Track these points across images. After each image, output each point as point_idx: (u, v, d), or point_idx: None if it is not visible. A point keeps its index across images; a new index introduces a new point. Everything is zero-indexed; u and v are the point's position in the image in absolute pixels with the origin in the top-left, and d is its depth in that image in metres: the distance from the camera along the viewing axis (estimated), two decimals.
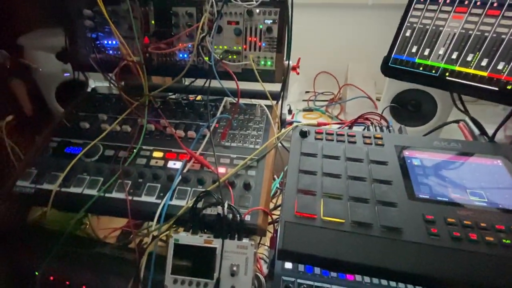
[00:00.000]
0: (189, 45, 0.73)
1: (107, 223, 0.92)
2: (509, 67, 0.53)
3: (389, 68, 0.63)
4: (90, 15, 0.75)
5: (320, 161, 0.59)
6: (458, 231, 0.46)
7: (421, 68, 0.60)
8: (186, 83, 0.89)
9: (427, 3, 0.57)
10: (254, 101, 0.80)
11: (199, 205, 0.56)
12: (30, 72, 0.98)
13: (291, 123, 0.76)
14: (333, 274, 0.71)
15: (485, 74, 0.56)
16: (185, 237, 0.53)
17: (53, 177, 0.64)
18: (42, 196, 0.61)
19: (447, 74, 0.58)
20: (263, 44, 0.72)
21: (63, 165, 0.65)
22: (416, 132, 0.99)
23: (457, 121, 0.75)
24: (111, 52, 0.78)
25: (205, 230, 0.56)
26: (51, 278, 0.64)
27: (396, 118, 1.03)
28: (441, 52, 0.58)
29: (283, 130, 0.69)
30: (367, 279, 0.70)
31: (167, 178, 0.62)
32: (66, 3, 0.75)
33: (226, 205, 0.54)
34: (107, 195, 0.60)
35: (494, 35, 0.54)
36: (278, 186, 0.76)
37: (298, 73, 0.75)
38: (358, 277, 0.70)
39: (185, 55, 0.76)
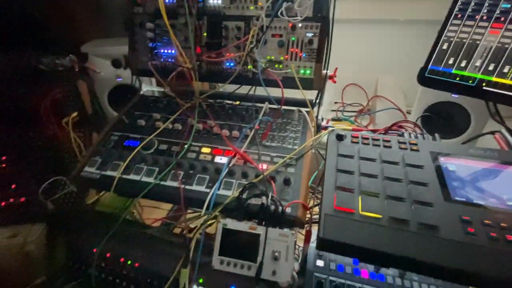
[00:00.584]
0: (237, 55, 0.81)
1: (148, 214, 1.01)
2: None
3: (426, 78, 0.67)
4: (152, 28, 0.86)
5: (357, 162, 0.64)
6: (495, 232, 0.48)
7: (457, 79, 0.63)
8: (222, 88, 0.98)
9: (464, 19, 0.61)
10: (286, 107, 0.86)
11: (244, 195, 0.62)
12: (90, 76, 1.12)
13: (326, 127, 0.81)
14: (364, 274, 0.74)
15: None
16: (233, 223, 0.59)
17: (115, 165, 0.73)
18: (105, 181, 0.70)
19: (483, 84, 0.61)
20: (304, 55, 0.79)
21: (123, 155, 0.74)
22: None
23: (492, 132, 0.77)
24: (167, 60, 0.88)
25: (249, 219, 0.62)
26: (108, 255, 0.72)
27: (428, 129, 1.04)
28: (477, 64, 0.61)
29: (319, 133, 0.74)
30: (398, 281, 0.72)
31: (215, 171, 0.69)
32: (132, 17, 0.87)
33: (270, 196, 0.59)
34: (162, 183, 0.68)
35: None
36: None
37: (335, 82, 0.81)
38: (390, 279, 0.73)
39: (231, 64, 0.84)
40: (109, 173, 0.72)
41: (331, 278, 0.72)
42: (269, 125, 0.78)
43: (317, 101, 0.84)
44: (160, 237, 0.72)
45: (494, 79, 0.60)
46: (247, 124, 0.79)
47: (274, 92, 0.78)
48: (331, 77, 0.80)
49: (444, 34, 0.64)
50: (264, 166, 0.69)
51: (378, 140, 0.69)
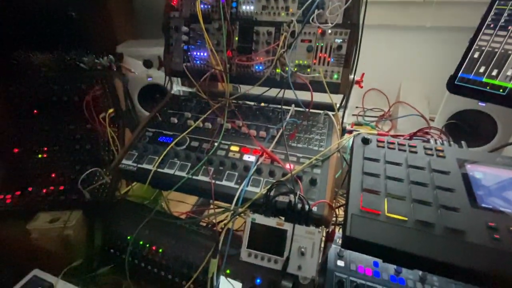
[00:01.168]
0: (267, 59, 0.85)
1: (174, 207, 1.06)
2: None
3: (456, 86, 0.68)
4: (186, 31, 0.91)
5: (383, 166, 0.66)
6: None
7: (488, 87, 0.64)
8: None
9: (496, 29, 0.62)
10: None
11: (272, 193, 0.66)
12: (125, 75, 1.19)
13: (351, 131, 0.83)
14: (385, 276, 0.75)
15: None
16: (261, 218, 0.63)
17: (150, 160, 0.78)
18: (142, 173, 0.76)
19: None
20: (332, 60, 0.82)
21: (157, 150, 0.80)
22: None
23: None
24: (199, 62, 0.93)
25: (276, 215, 0.65)
26: (141, 242, 0.77)
27: (452, 137, 1.03)
28: (509, 73, 0.62)
29: (345, 136, 0.77)
30: (419, 285, 0.73)
31: (243, 168, 0.72)
32: (169, 21, 0.92)
33: (297, 195, 0.62)
34: (194, 177, 0.72)
35: None
36: None
37: (361, 87, 0.83)
38: (410, 283, 0.73)
39: (260, 67, 0.88)
40: (145, 166, 0.77)
41: (351, 278, 0.74)
42: (296, 127, 0.81)
43: (343, 104, 0.86)
44: (189, 228, 0.76)
45: None
46: (274, 126, 0.83)
47: (298, 95, 0.81)
48: (357, 82, 0.82)
49: (475, 43, 0.65)
50: (291, 166, 0.72)
51: (404, 145, 0.70)
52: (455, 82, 0.69)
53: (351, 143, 0.74)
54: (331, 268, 0.76)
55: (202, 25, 0.82)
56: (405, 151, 0.69)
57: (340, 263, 0.77)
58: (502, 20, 0.61)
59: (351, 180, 0.64)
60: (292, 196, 0.63)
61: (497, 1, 0.61)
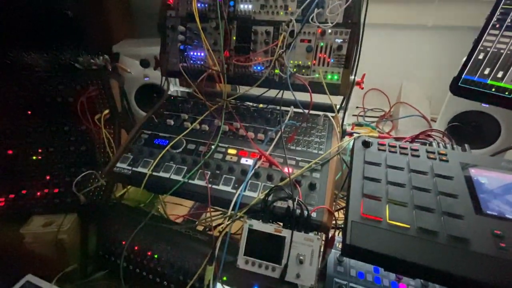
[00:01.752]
0: (266, 60, 0.83)
1: (171, 210, 1.05)
2: None
3: (459, 88, 0.66)
4: (183, 31, 0.89)
5: (384, 170, 0.64)
6: None
7: (493, 90, 0.62)
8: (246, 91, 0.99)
9: (502, 30, 0.60)
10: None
11: (270, 198, 0.64)
12: (121, 75, 1.17)
13: (351, 133, 0.81)
14: (385, 282, 0.73)
15: None
16: (258, 224, 0.61)
17: (146, 163, 0.76)
18: (137, 177, 0.74)
19: None
20: (332, 60, 0.80)
21: (153, 153, 0.78)
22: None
23: None
24: (195, 62, 0.90)
25: (274, 221, 0.63)
26: (136, 247, 0.75)
27: (455, 139, 1.02)
28: None
29: (345, 139, 0.75)
30: None
31: (241, 172, 0.70)
32: (165, 20, 0.90)
33: (296, 200, 0.60)
34: (190, 181, 0.71)
35: None
36: None
37: (362, 88, 0.81)
38: None
39: (258, 67, 0.86)
40: (140, 169, 0.75)
41: (351, 284, 0.72)
42: (295, 129, 0.79)
43: (343, 106, 0.84)
44: (186, 233, 0.74)
45: None
46: (272, 128, 0.81)
47: (298, 96, 0.79)
48: (358, 83, 0.80)
49: (480, 44, 0.63)
50: (290, 169, 0.70)
51: (405, 148, 0.68)
52: (459, 84, 0.67)
53: (351, 145, 0.72)
54: (331, 274, 0.75)
55: (198, 24, 0.80)
56: (407, 154, 0.67)
57: (340, 268, 0.76)
58: (509, 20, 0.59)
59: (351, 185, 0.62)
60: (290, 201, 0.61)
61: (503, 0, 0.59)
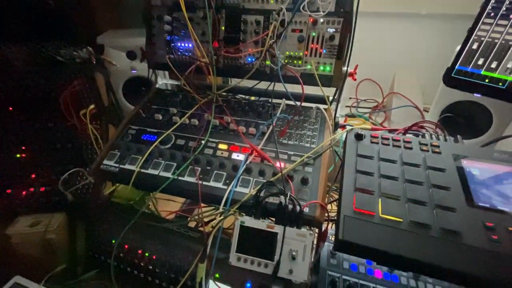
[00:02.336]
0: (256, 50, 0.80)
1: (163, 206, 1.03)
2: None
3: (452, 79, 0.65)
4: (169, 21, 0.85)
5: (377, 163, 0.63)
6: None
7: (486, 80, 0.61)
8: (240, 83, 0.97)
9: (497, 18, 0.58)
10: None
11: (262, 193, 0.62)
12: (107, 68, 1.12)
13: (344, 126, 0.79)
14: (378, 274, 0.74)
15: None
16: (250, 220, 0.60)
17: (134, 159, 0.74)
18: (124, 175, 0.71)
19: None
20: (324, 51, 0.77)
21: (141, 149, 0.75)
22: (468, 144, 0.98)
23: None
24: (183, 53, 0.87)
25: (266, 217, 0.62)
26: (126, 246, 0.74)
27: (447, 129, 1.02)
28: (509, 65, 0.58)
29: (338, 132, 0.73)
30: (412, 282, 0.72)
31: (232, 168, 0.69)
32: (150, 9, 0.86)
33: (288, 196, 0.59)
34: (180, 178, 0.69)
35: None
36: None
37: (355, 79, 0.79)
38: (404, 280, 0.73)
39: (249, 59, 0.83)
40: (127, 166, 0.73)
41: (344, 277, 0.73)
42: (287, 123, 0.77)
43: (335, 98, 0.83)
44: (177, 231, 0.73)
45: None
46: (264, 121, 0.79)
47: (290, 88, 0.77)
48: (351, 75, 0.78)
49: (474, 33, 0.61)
50: (282, 164, 0.68)
51: (398, 141, 0.68)
52: (452, 75, 0.65)
53: (344, 138, 0.70)
54: (324, 266, 0.75)
55: (185, 14, 0.76)
56: (399, 147, 0.66)
57: (333, 261, 0.76)
58: (504, 8, 0.58)
59: (343, 178, 0.61)
60: (282, 197, 0.60)
61: None
